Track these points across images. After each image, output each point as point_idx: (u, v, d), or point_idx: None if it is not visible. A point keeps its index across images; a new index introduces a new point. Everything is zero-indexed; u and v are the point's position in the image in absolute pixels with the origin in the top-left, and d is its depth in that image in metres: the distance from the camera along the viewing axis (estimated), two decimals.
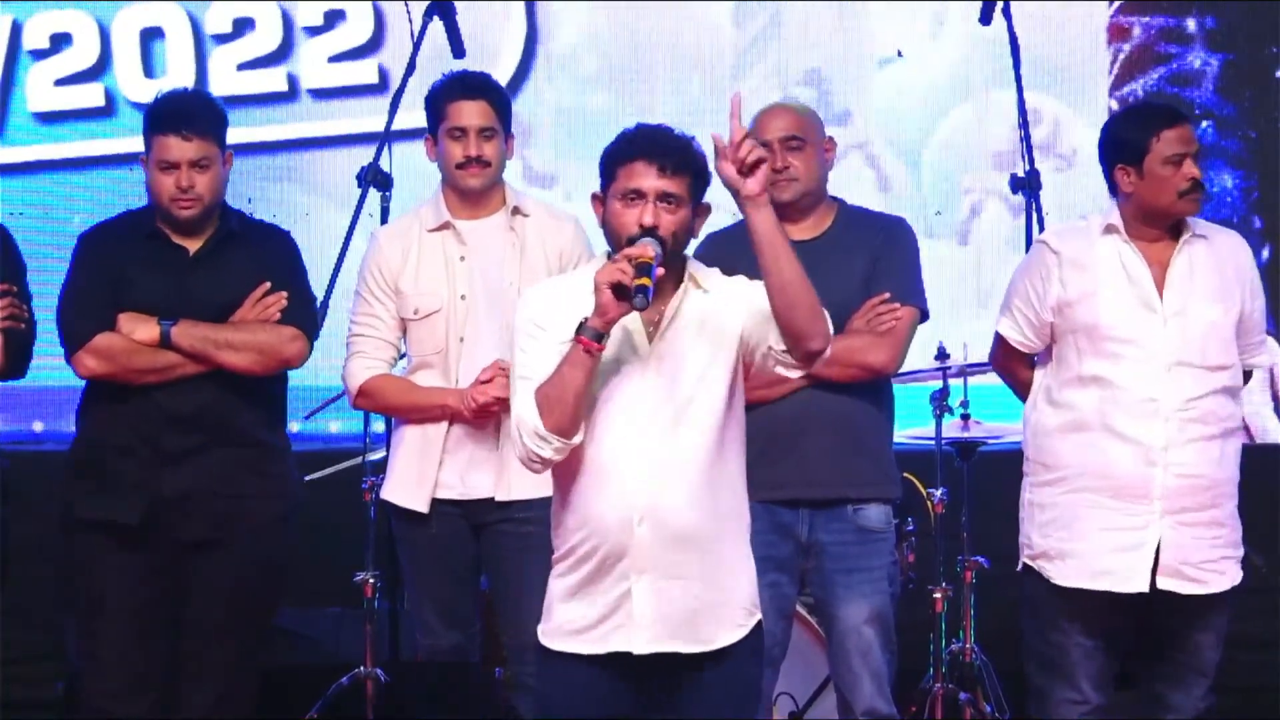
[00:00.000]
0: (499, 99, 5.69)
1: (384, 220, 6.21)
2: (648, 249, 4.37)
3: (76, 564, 5.54)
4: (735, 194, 4.38)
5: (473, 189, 5.62)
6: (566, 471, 4.52)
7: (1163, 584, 5.40)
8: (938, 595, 6.56)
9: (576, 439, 4.44)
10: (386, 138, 6.33)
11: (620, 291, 4.33)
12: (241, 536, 5.46)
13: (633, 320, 4.46)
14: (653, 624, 4.47)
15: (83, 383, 5.58)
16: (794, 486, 5.39)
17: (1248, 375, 5.67)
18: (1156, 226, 5.50)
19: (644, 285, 4.32)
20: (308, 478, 6.27)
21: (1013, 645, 5.91)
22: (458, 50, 6.53)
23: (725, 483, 4.51)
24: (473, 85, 5.66)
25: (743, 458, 4.57)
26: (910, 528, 6.41)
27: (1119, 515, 5.42)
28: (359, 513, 6.51)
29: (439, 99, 5.67)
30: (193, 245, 5.54)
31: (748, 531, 4.59)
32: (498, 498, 5.57)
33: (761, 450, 5.36)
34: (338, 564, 6.37)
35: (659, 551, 4.45)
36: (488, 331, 5.61)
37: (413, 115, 6.02)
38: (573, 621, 4.52)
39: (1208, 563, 5.43)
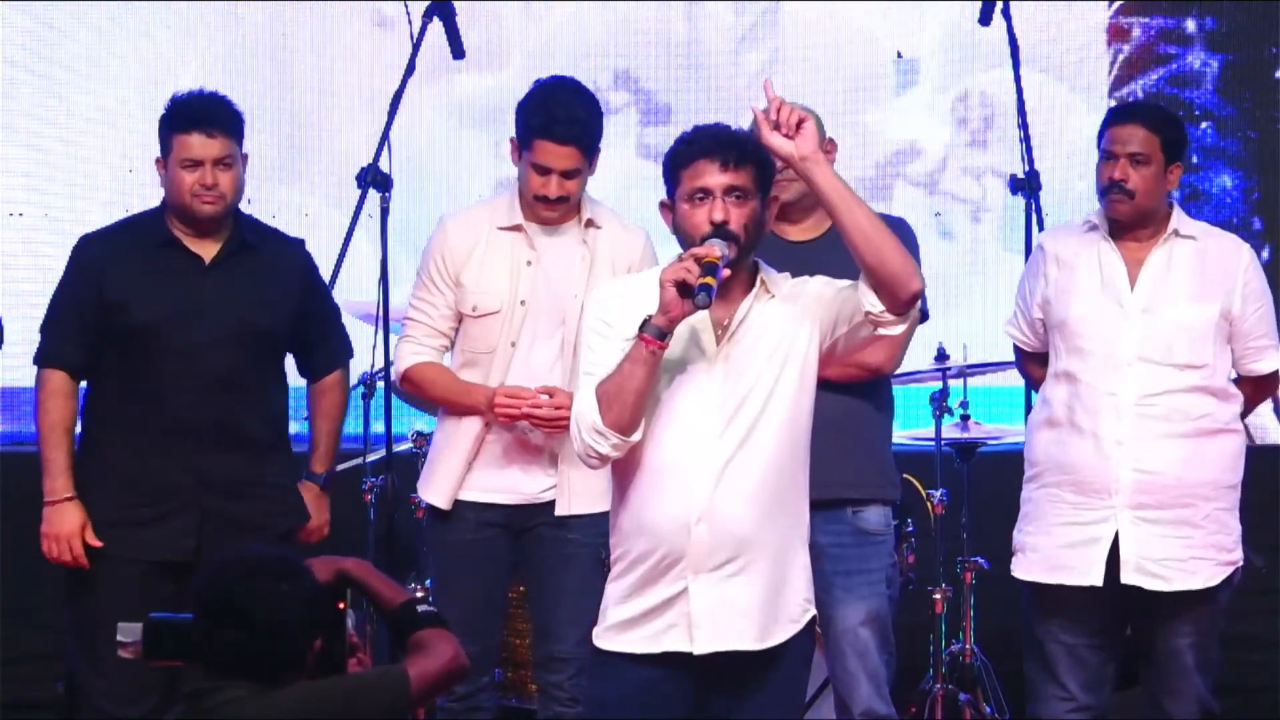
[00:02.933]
0: (592, 138, 5.49)
1: (384, 221, 6.18)
2: (714, 249, 4.36)
3: (77, 569, 5.54)
4: (789, 163, 4.40)
5: (549, 221, 5.55)
6: (626, 473, 4.52)
7: (1126, 579, 5.41)
8: (937, 596, 6.57)
9: (635, 436, 4.43)
10: (386, 138, 6.32)
11: (685, 290, 4.32)
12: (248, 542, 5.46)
13: (701, 322, 4.45)
14: (711, 624, 4.46)
15: (83, 386, 5.59)
16: None
17: (1264, 381, 5.62)
18: (1135, 226, 5.51)
19: (707, 284, 4.31)
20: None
21: (1012, 646, 5.92)
22: (457, 51, 6.51)
23: (787, 486, 4.50)
24: (563, 133, 5.44)
25: (806, 461, 4.56)
26: (910, 529, 6.41)
27: (1078, 510, 5.45)
28: (359, 513, 6.52)
29: (529, 127, 5.48)
30: (207, 253, 5.53)
31: (807, 532, 4.58)
32: (558, 512, 5.49)
33: None
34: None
35: (716, 553, 4.45)
36: (542, 340, 5.54)
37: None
38: (627, 621, 4.51)
39: (1172, 561, 5.43)
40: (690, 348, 4.47)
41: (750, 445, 4.45)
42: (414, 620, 4.17)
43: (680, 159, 4.49)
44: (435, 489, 5.58)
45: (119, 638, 4.07)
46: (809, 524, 4.59)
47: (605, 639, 4.55)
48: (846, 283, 4.50)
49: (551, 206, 5.49)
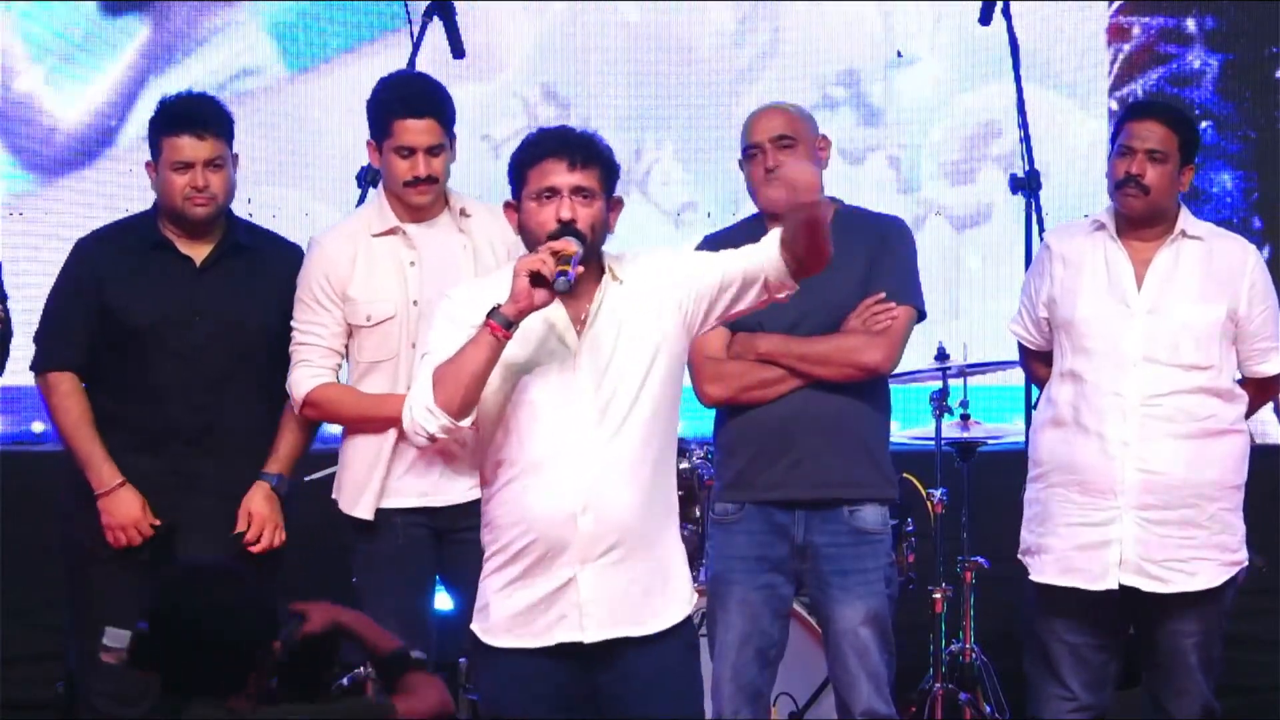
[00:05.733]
0: (446, 112, 5.51)
1: None
2: (570, 244, 4.42)
3: (75, 574, 5.54)
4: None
5: (421, 205, 5.51)
6: (498, 469, 4.57)
7: (1124, 580, 5.42)
8: (937, 596, 6.57)
9: (464, 422, 4.47)
10: None
11: (537, 281, 4.37)
12: (244, 550, 5.46)
13: (560, 319, 4.52)
14: (601, 611, 4.52)
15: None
16: (789, 487, 5.38)
17: (1269, 383, 5.62)
18: (1145, 224, 5.51)
19: (564, 270, 4.37)
20: (307, 478, 6.26)
21: (1012, 646, 5.93)
22: (457, 51, 6.51)
23: (662, 470, 4.57)
24: (419, 105, 5.46)
25: (675, 444, 4.64)
26: (910, 528, 6.41)
27: (1085, 510, 5.45)
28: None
29: (384, 113, 5.49)
30: (198, 255, 5.53)
31: (678, 517, 4.65)
32: (471, 497, 5.41)
33: (757, 451, 5.39)
34: (337, 564, 6.36)
35: (601, 541, 4.50)
36: None
37: None
38: (515, 615, 4.55)
39: (1173, 562, 5.43)
40: (551, 344, 4.53)
41: (626, 432, 4.50)
42: (404, 665, 4.27)
43: (527, 159, 4.54)
44: (358, 502, 5.53)
45: (105, 641, 4.09)
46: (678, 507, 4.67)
47: (493, 635, 4.59)
48: (729, 256, 4.56)
49: (421, 190, 5.47)
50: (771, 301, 4.60)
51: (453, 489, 5.50)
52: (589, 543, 4.50)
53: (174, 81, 7.83)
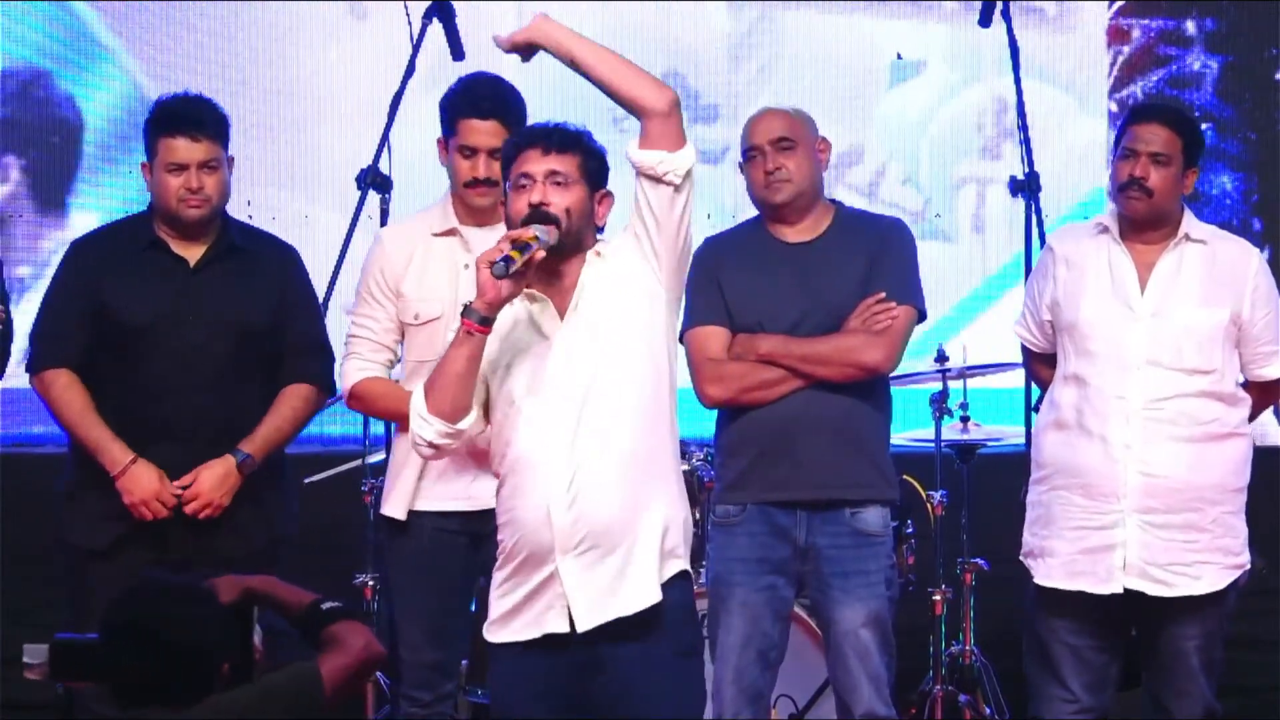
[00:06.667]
0: (513, 115, 5.51)
1: (384, 222, 6.19)
2: (527, 230, 4.42)
3: (74, 574, 5.54)
4: (533, 43, 4.52)
5: (481, 207, 5.52)
6: (499, 469, 4.59)
7: (1128, 583, 5.42)
8: (937, 597, 6.57)
9: (462, 425, 4.49)
10: (386, 139, 6.32)
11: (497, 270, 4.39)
12: (233, 558, 5.45)
13: (545, 312, 4.51)
14: (584, 600, 4.50)
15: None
16: (791, 488, 5.37)
17: (1271, 386, 5.62)
18: (1148, 227, 5.51)
19: (508, 256, 4.35)
20: (307, 480, 6.26)
21: (1012, 647, 5.93)
22: (457, 52, 6.51)
23: (652, 441, 4.54)
24: (485, 106, 5.48)
25: (673, 410, 4.59)
26: (910, 530, 6.41)
27: (1088, 514, 5.44)
28: (358, 515, 6.52)
29: (452, 111, 5.52)
30: (192, 255, 5.53)
31: (678, 484, 4.61)
32: None
33: (759, 452, 5.38)
34: (337, 566, 6.38)
35: (581, 534, 4.49)
36: None
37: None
38: (508, 611, 4.56)
39: (1177, 565, 5.42)
40: (535, 338, 4.53)
41: (608, 420, 4.48)
42: (321, 618, 4.20)
43: (510, 153, 4.56)
44: (392, 501, 5.55)
45: (25, 659, 4.05)
46: (681, 475, 4.63)
47: (492, 632, 4.62)
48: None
49: (482, 191, 5.47)
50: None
51: (485, 493, 5.47)
52: (567, 536, 4.49)
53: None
